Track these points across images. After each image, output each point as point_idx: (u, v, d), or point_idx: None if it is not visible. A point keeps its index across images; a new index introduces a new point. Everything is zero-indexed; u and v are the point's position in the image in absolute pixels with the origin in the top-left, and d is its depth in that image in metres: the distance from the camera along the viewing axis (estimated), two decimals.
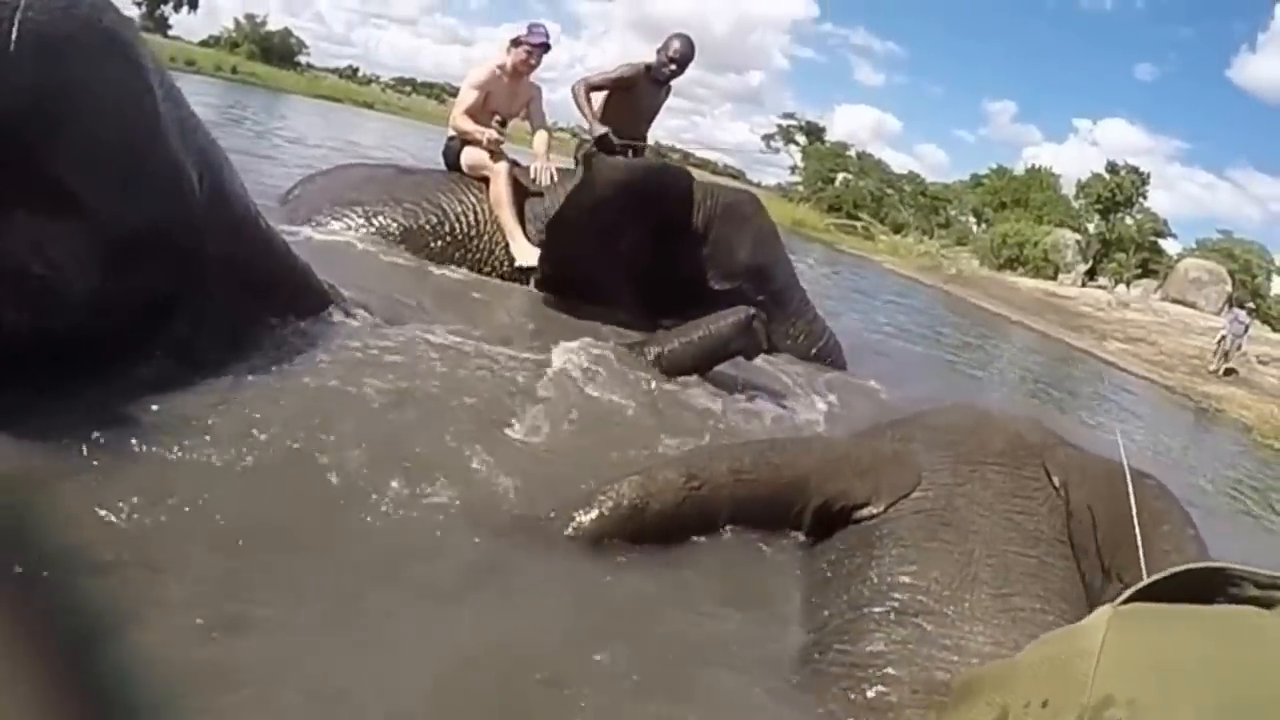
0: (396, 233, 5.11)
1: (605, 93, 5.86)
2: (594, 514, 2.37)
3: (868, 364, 6.41)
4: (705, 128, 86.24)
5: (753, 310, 4.22)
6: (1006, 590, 2.21)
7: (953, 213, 35.01)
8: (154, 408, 2.27)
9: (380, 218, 5.13)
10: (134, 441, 2.12)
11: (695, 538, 2.48)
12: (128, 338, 2.36)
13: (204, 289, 2.55)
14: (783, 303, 5.55)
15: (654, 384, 3.88)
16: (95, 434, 2.06)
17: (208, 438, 2.24)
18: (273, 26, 49.09)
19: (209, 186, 2.55)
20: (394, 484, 2.32)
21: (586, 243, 4.85)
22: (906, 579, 2.28)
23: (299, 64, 49.32)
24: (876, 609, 2.23)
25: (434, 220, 5.25)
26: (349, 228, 5.08)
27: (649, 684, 1.89)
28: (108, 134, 2.18)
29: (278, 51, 47.13)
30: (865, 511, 2.53)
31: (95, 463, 2.00)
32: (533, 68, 5.71)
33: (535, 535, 2.32)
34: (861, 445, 2.82)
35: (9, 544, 1.69)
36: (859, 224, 30.60)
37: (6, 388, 2.00)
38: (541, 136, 5.70)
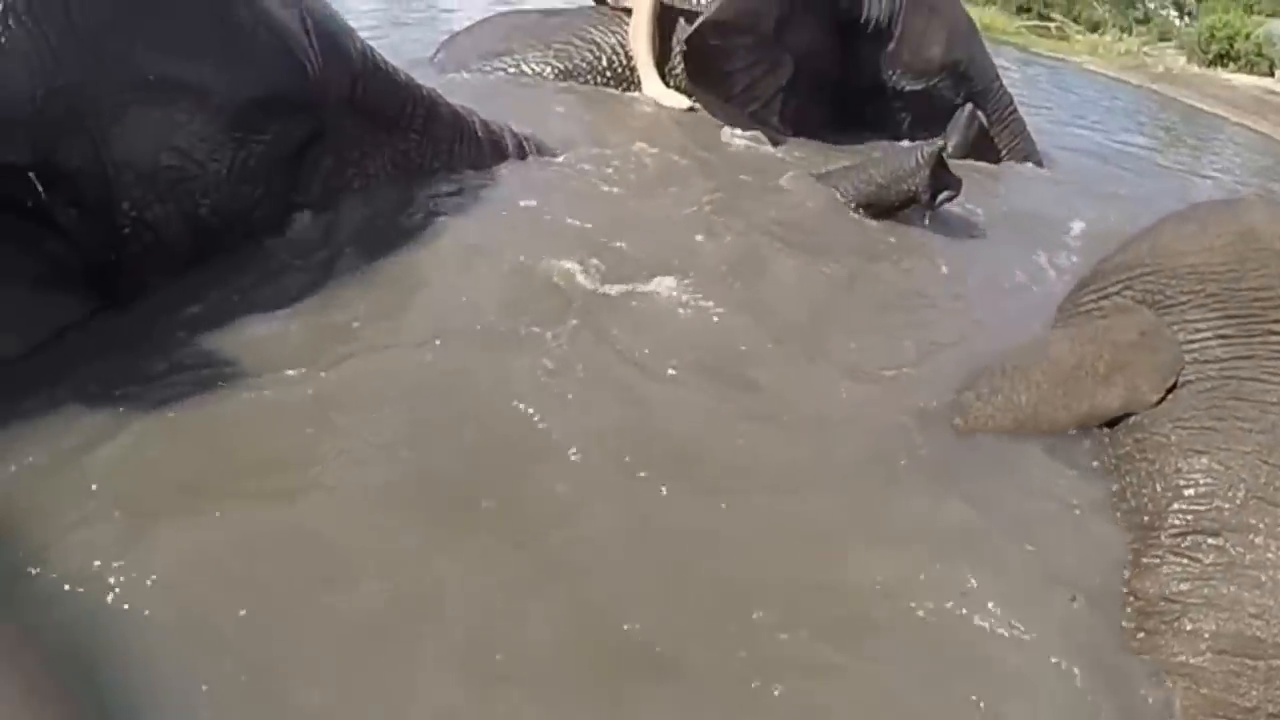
0: (551, 77, 4.81)
1: None
2: None
3: (1080, 171, 5.74)
4: None
5: (936, 145, 3.56)
6: None
7: (1151, 5, 31.65)
8: (305, 259, 2.51)
9: (532, 64, 4.84)
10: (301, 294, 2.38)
11: None
12: (274, 200, 2.51)
13: (333, 134, 2.68)
14: (986, 107, 4.99)
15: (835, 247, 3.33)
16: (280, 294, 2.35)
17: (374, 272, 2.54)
18: None
19: (316, 34, 2.58)
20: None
21: (749, 48, 4.44)
22: (1197, 479, 1.88)
23: None
24: (1166, 532, 1.86)
25: (589, 56, 4.87)
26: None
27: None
28: (194, 14, 2.24)
29: None
30: (1131, 420, 2.12)
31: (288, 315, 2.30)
32: None
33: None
34: (1095, 340, 2.23)
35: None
36: (1052, 24, 28.12)
37: (178, 275, 2.26)
38: None
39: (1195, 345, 2.09)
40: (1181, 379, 2.06)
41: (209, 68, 2.23)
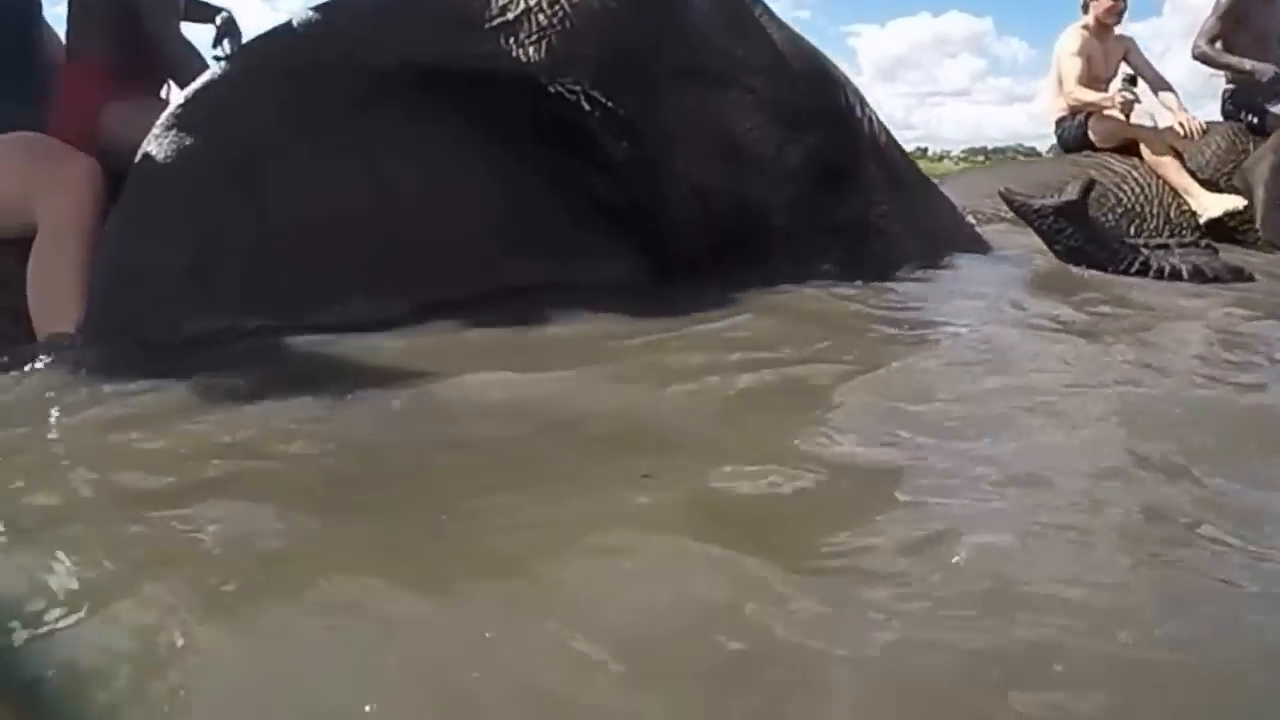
0: None
1: (1220, 39, 5.38)
2: None
3: None
4: None
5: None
6: None
7: None
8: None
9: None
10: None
11: None
12: (808, 208, 2.61)
13: (865, 178, 2.78)
14: None
15: None
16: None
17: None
18: None
19: (849, 89, 2.89)
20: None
21: None
22: None
23: None
24: None
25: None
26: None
27: None
28: (754, 31, 2.63)
29: None
30: None
31: None
32: (1121, 14, 5.28)
33: None
34: None
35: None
36: None
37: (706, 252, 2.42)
38: (1169, 96, 5.31)
39: None
40: None
41: (760, 72, 2.57)
